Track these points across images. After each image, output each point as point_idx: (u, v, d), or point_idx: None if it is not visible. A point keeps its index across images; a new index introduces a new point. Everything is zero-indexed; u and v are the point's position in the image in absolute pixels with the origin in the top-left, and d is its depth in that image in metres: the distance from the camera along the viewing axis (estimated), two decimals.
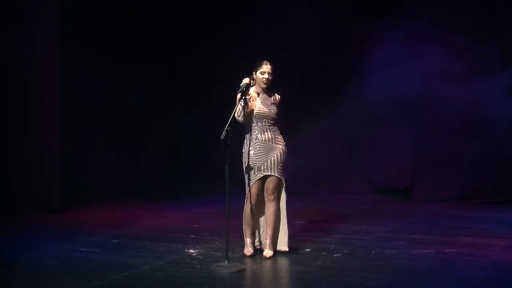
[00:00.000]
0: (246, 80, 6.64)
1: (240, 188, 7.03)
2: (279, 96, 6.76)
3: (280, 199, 6.82)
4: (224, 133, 6.37)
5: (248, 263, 6.73)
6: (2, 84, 8.99)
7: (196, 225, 8.42)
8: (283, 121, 6.97)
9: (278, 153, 6.71)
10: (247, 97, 6.63)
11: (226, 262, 6.49)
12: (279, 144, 6.74)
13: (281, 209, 6.85)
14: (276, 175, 6.69)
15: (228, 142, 6.44)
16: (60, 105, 9.46)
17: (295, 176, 9.70)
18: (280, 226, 6.89)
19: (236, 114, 6.56)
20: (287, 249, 6.83)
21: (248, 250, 6.78)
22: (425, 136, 10.16)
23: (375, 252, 7.17)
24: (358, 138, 10.41)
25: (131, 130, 10.76)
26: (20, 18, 8.86)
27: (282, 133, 6.89)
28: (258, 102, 6.70)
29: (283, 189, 6.86)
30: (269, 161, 6.71)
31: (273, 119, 6.73)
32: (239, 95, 6.66)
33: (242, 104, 6.57)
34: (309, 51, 10.17)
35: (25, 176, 9.33)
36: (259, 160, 6.67)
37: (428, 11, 9.74)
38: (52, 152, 9.48)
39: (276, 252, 6.89)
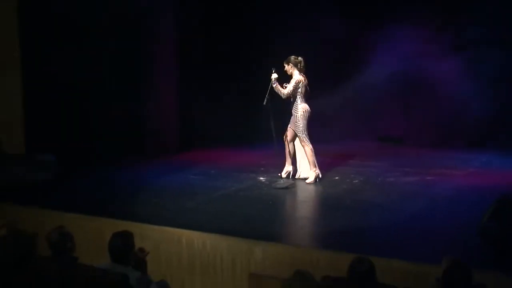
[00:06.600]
0: (275, 76, 8.03)
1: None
2: (293, 78, 7.97)
3: (307, 145, 7.96)
4: (265, 99, 7.93)
5: (295, 184, 7.94)
6: (128, 50, 9.70)
7: (263, 162, 9.30)
8: (304, 93, 7.86)
9: (294, 117, 8.10)
10: (274, 85, 7.92)
11: (282, 181, 7.99)
12: (296, 112, 8.07)
13: (308, 153, 7.98)
14: (294, 128, 8.07)
15: (269, 105, 7.93)
16: (175, 66, 10.13)
17: (323, 128, 9.95)
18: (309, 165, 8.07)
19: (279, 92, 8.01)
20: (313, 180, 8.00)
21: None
22: (415, 99, 10.99)
23: (380, 179, 8.28)
24: (367, 103, 11.07)
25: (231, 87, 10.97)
26: None
27: (302, 102, 7.91)
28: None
29: (306, 139, 7.92)
30: (292, 121, 8.16)
31: (288, 95, 7.96)
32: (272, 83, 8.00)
33: (270, 89, 7.92)
34: (323, 45, 10.71)
35: (151, 125, 10.10)
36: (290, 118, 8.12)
37: None
38: (170, 106, 10.21)
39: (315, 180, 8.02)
